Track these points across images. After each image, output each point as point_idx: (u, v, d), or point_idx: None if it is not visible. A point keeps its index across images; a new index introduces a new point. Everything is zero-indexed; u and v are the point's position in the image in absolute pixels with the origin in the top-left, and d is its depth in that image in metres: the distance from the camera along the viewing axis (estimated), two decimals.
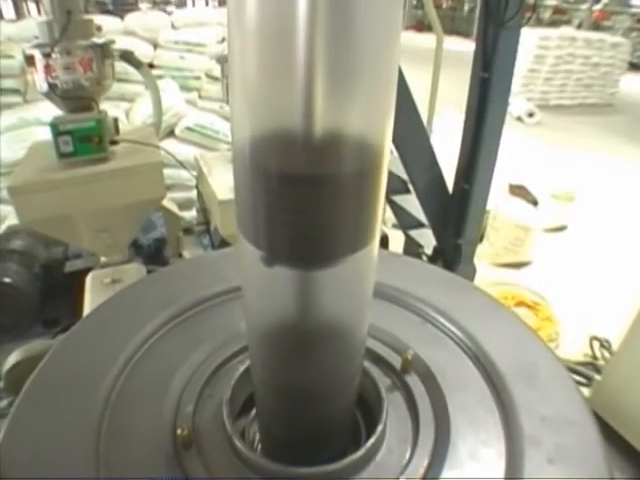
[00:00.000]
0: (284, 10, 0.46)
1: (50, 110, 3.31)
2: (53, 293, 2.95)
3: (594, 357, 3.48)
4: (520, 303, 3.94)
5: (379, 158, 0.57)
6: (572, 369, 3.25)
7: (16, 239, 3.11)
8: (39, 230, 2.56)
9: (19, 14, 19.25)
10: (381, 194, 0.61)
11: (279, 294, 0.66)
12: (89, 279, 2.45)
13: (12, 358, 2.31)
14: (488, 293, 1.21)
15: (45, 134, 3.67)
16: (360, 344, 0.77)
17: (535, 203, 4.98)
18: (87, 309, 2.22)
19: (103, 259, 2.64)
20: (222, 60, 2.16)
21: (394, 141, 2.37)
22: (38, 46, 2.33)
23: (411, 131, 2.46)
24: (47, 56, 2.26)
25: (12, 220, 3.50)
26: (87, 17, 2.48)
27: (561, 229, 5.29)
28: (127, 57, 2.65)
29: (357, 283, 0.67)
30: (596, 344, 3.53)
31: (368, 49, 0.50)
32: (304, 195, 0.56)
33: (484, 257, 4.52)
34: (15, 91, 4.61)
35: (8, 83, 4.55)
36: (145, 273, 2.45)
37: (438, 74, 2.78)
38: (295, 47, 0.47)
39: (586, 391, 3.05)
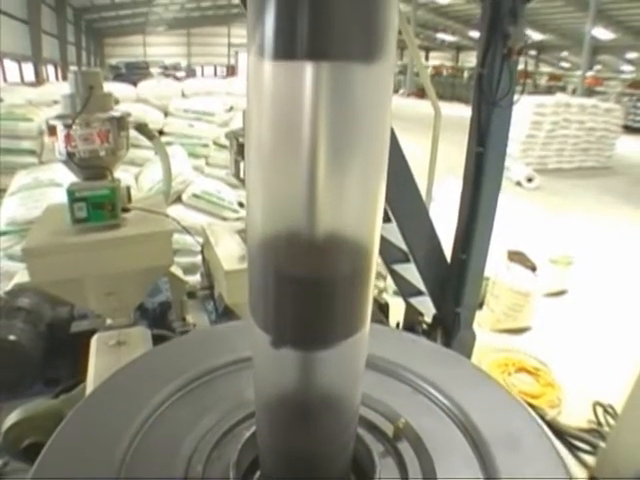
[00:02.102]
0: (292, 145, 0.57)
1: (64, 172, 3.44)
2: (57, 352, 2.95)
3: (598, 423, 3.43)
4: (521, 369, 3.94)
5: (368, 260, 0.69)
6: (576, 436, 3.21)
7: (23, 297, 3.12)
8: (49, 290, 2.59)
9: (38, 77, 20.17)
10: (370, 289, 0.72)
11: (284, 371, 0.77)
12: (94, 341, 2.47)
13: (12, 417, 2.31)
14: (475, 365, 1.28)
15: (58, 195, 3.81)
16: (354, 413, 0.85)
17: (534, 269, 5.03)
18: (91, 370, 2.23)
19: (109, 321, 2.67)
20: (230, 136, 2.29)
21: (394, 213, 2.48)
22: (60, 117, 2.47)
23: (410, 204, 2.56)
24: (68, 127, 2.39)
25: (20, 277, 3.55)
26: (106, 91, 2.64)
27: (561, 293, 5.31)
28: (141, 129, 2.80)
29: (351, 362, 0.78)
30: (600, 410, 3.49)
31: (359, 172, 0.62)
32: (307, 293, 0.67)
33: (484, 323, 4.55)
34: (31, 152, 4.81)
35: (25, 144, 4.76)
36: (150, 336, 2.47)
37: (436, 147, 2.91)
38: (300, 170, 0.58)
39: (592, 459, 3.01)
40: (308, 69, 0.52)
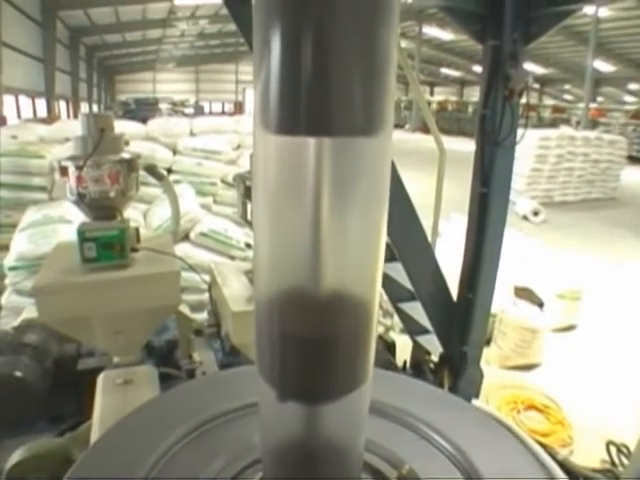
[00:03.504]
0: (296, 209, 0.60)
1: (73, 210, 3.49)
2: (62, 389, 2.94)
3: (612, 463, 3.35)
4: (530, 407, 3.87)
5: (370, 316, 0.71)
6: (589, 477, 3.13)
7: (30, 333, 3.13)
8: (57, 328, 2.60)
9: (51, 113, 20.66)
10: (372, 343, 0.74)
11: (289, 422, 0.79)
12: (101, 379, 2.46)
13: (15, 456, 2.28)
14: (481, 410, 1.27)
15: (67, 232, 3.86)
16: (357, 460, 0.87)
17: (541, 305, 4.99)
18: (97, 409, 2.22)
19: (116, 359, 2.67)
20: (238, 179, 2.33)
21: (399, 253, 2.50)
22: (72, 158, 2.53)
23: (415, 244, 2.58)
24: (79, 168, 2.44)
25: (28, 313, 3.57)
26: (117, 133, 2.70)
27: (570, 328, 5.27)
28: (150, 170, 2.86)
29: (354, 413, 0.79)
30: (613, 449, 3.41)
31: (361, 233, 0.65)
32: (311, 351, 0.70)
33: (493, 360, 4.51)
34: (42, 188, 4.90)
35: (36, 181, 4.85)
36: (156, 375, 2.47)
37: (442, 185, 2.94)
38: (304, 233, 0.62)
39: None
40: (310, 144, 0.56)
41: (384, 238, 0.68)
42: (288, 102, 0.56)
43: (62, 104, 25.61)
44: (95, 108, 33.67)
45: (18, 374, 2.78)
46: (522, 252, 5.62)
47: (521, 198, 10.43)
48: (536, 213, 10.05)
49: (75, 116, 24.75)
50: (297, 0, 0.53)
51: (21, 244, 4.09)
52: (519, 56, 2.54)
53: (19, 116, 18.43)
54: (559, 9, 2.46)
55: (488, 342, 4.40)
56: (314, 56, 0.54)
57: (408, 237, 2.51)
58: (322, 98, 0.55)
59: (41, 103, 21.56)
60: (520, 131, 2.68)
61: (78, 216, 2.95)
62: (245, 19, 2.10)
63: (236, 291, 2.32)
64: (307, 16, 0.53)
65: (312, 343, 0.69)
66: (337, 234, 0.62)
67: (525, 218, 9.97)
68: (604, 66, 27.26)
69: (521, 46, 2.55)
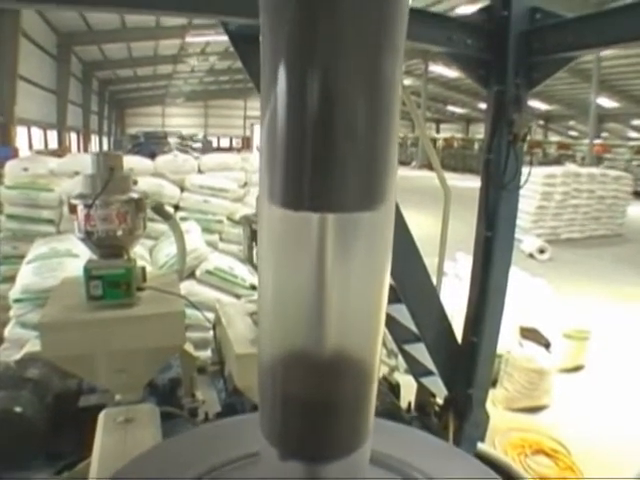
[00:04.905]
0: (299, 277, 0.62)
1: (80, 244, 3.51)
2: (62, 426, 2.91)
3: None
4: (538, 451, 3.78)
5: (371, 377, 0.71)
6: None
7: (32, 367, 3.12)
8: (60, 364, 2.60)
9: (62, 145, 21.02)
10: (372, 407, 0.74)
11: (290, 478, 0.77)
12: (102, 416, 2.44)
13: None
14: (478, 461, 1.27)
15: (74, 266, 3.88)
16: None
17: (548, 345, 4.93)
18: (97, 447, 2.19)
19: (118, 397, 2.65)
20: (244, 221, 2.36)
21: (403, 296, 2.50)
22: (81, 196, 2.57)
23: (419, 288, 2.58)
24: (88, 207, 2.48)
25: (31, 347, 3.56)
26: (126, 171, 2.75)
27: (578, 369, 5.19)
28: (158, 209, 2.90)
29: (353, 472, 0.78)
30: None
31: (364, 300, 0.66)
32: (313, 414, 0.71)
33: (498, 402, 4.44)
34: (50, 221, 4.95)
35: (45, 214, 4.91)
36: (158, 414, 2.44)
37: (447, 228, 2.94)
38: (308, 300, 0.63)
39: None
40: (313, 218, 0.58)
41: (385, 300, 0.69)
42: (293, 180, 0.58)
43: (73, 136, 26.07)
44: (105, 140, 34.26)
45: (18, 409, 2.76)
46: (528, 292, 5.58)
47: (527, 236, 10.43)
48: (542, 251, 10.03)
49: (85, 148, 25.21)
50: (302, 50, 0.53)
51: (27, 276, 4.12)
52: (522, 101, 2.58)
53: (30, 147, 18.75)
54: (560, 56, 2.51)
55: (494, 383, 4.34)
56: (319, 136, 0.56)
57: (412, 279, 2.51)
58: (326, 177, 0.57)
59: (52, 135, 21.97)
60: (525, 169, 2.70)
61: (85, 250, 2.97)
62: (252, 61, 2.14)
63: (240, 332, 2.32)
64: (312, 71, 0.53)
65: (313, 405, 0.70)
66: (339, 300, 0.63)
67: (531, 256, 9.94)
68: (608, 102, 27.64)
69: (524, 91, 2.59)
